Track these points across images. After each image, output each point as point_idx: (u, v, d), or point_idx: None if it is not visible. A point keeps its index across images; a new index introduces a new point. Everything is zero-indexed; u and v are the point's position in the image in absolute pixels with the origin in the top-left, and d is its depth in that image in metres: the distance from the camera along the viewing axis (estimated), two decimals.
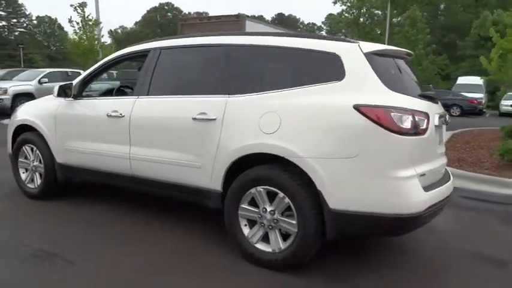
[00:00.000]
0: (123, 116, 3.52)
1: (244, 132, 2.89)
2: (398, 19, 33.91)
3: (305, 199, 2.66)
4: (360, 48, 2.75)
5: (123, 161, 3.57)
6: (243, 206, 2.94)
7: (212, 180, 3.07)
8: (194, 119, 3.11)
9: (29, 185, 4.39)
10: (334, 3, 47.90)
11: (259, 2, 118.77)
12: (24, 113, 4.46)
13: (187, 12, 66.29)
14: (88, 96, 4.12)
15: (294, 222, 2.72)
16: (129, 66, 13.43)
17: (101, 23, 17.57)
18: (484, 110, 23.69)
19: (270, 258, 2.84)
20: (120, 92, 4.35)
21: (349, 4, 46.78)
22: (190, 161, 3.17)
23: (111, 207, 4.09)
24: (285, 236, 2.83)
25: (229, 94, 3.03)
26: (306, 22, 73.28)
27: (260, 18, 57.69)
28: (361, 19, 47.90)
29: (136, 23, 71.63)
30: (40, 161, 4.23)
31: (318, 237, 2.70)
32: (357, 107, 2.54)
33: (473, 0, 44.31)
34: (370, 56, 2.72)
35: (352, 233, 2.78)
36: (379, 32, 46.89)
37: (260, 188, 2.84)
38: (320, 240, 2.73)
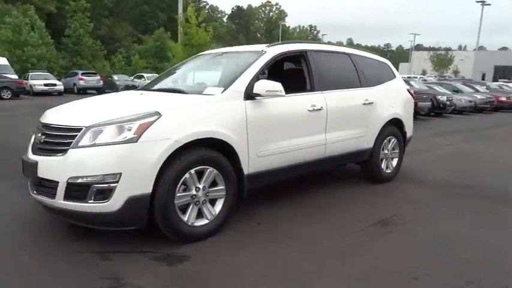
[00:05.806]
0: (322, 109, 4.10)
1: (387, 108, 5.00)
2: None
3: (401, 137, 5.36)
4: (388, 61, 5.63)
5: (320, 147, 4.16)
6: (382, 151, 5.07)
7: (369, 142, 4.85)
8: (363, 104, 4.67)
9: (205, 223, 3.23)
10: None
11: None
12: (193, 126, 3.03)
13: None
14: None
15: (396, 151, 5.34)
16: None
17: None
18: None
19: (389, 175, 5.26)
20: None
21: None
22: (361, 132, 4.69)
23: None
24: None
25: (369, 87, 4.86)
26: None
27: None
28: None
29: None
30: (213, 184, 3.29)
31: None
32: (407, 90, 5.55)
33: None
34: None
35: None
36: None
37: (390, 138, 5.14)
38: None
